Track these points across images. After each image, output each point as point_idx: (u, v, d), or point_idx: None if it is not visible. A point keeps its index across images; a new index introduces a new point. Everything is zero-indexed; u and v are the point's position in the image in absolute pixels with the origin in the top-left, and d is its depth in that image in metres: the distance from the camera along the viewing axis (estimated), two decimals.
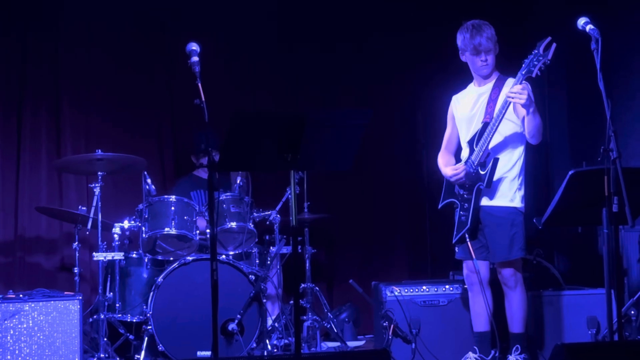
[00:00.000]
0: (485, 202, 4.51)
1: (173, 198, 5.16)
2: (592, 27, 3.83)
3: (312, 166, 4.36)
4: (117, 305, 5.12)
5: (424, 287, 5.10)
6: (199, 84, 3.93)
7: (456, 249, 4.64)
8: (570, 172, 3.99)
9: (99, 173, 5.08)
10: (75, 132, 6.10)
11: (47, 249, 5.96)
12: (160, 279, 4.95)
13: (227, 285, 4.75)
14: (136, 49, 6.25)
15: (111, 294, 5.12)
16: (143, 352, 4.94)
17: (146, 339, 4.96)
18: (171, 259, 5.18)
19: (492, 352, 4.60)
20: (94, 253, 5.05)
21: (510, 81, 4.48)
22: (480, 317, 4.64)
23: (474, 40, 4.48)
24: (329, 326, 5.53)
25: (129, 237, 5.33)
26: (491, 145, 4.46)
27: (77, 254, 5.21)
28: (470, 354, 4.63)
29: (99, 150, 5.05)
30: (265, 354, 5.00)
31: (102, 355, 4.84)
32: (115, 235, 5.15)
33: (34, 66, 6.04)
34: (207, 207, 4.66)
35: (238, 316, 4.93)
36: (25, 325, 4.68)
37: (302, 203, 5.56)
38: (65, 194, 6.02)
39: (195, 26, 6.12)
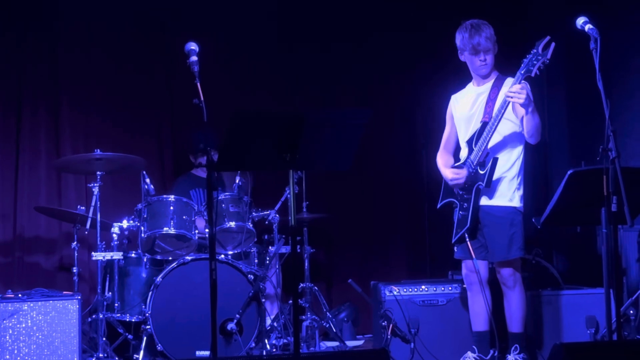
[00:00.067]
0: (484, 201, 4.51)
1: (172, 198, 5.17)
2: (590, 26, 3.83)
3: (311, 166, 4.35)
4: (116, 304, 5.12)
5: (423, 287, 5.10)
6: (198, 84, 3.93)
7: (455, 248, 4.64)
8: (569, 172, 3.99)
9: (98, 173, 5.08)
10: (74, 132, 6.09)
11: (46, 248, 5.96)
12: (159, 278, 4.95)
13: (226, 285, 4.76)
14: (136, 49, 6.25)
15: (110, 293, 5.12)
16: (142, 352, 4.94)
17: (145, 338, 4.96)
18: (170, 258, 5.18)
19: (491, 351, 4.60)
20: (92, 253, 5.05)
21: (509, 81, 4.48)
22: (479, 317, 4.64)
23: (472, 40, 4.49)
24: (327, 326, 5.53)
25: (127, 237, 5.33)
26: (490, 144, 4.46)
27: (76, 254, 5.20)
28: (469, 354, 4.63)
29: (98, 150, 5.05)
30: (264, 353, 5.00)
31: (100, 355, 4.84)
32: (114, 235, 5.14)
33: (33, 66, 6.03)
34: (206, 206, 4.66)
35: (237, 316, 4.93)
36: (24, 325, 4.68)
37: (300, 202, 5.56)
38: (64, 194, 6.02)
39: (195, 26, 6.11)
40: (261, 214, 5.38)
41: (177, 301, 4.93)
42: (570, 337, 4.86)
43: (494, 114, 4.43)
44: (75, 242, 5.23)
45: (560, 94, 6.35)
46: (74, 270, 5.17)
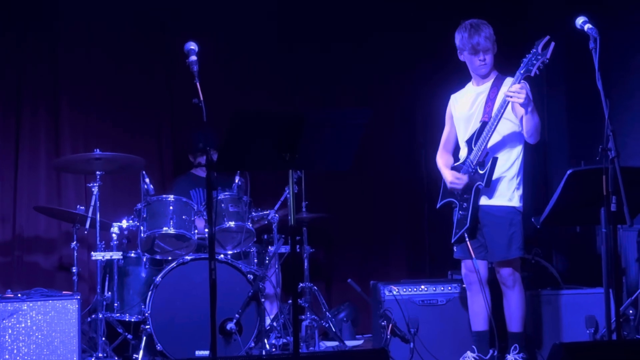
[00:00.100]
0: (483, 201, 4.51)
1: (171, 197, 5.16)
2: (590, 26, 3.83)
3: (311, 166, 4.35)
4: (116, 304, 5.12)
5: (423, 287, 5.10)
6: (198, 83, 3.93)
7: (455, 248, 4.64)
8: (568, 172, 3.99)
9: (98, 172, 5.08)
10: (74, 132, 6.09)
11: (45, 248, 5.96)
12: (158, 278, 4.95)
13: (225, 285, 4.76)
14: (136, 49, 6.25)
15: (109, 293, 5.12)
16: (141, 352, 4.94)
17: (144, 338, 4.96)
18: (169, 258, 5.18)
19: (491, 351, 4.60)
20: (92, 252, 5.05)
21: (508, 80, 4.48)
22: (478, 317, 4.64)
23: (472, 40, 4.49)
24: (327, 325, 5.53)
25: (127, 237, 5.32)
26: (490, 144, 4.46)
27: (75, 254, 5.21)
28: (469, 353, 4.63)
29: (98, 150, 5.05)
30: (264, 353, 5.00)
31: (100, 355, 4.84)
32: (114, 235, 5.14)
33: (33, 66, 6.03)
34: (205, 206, 4.66)
35: (236, 315, 4.93)
36: (23, 325, 4.68)
37: (300, 202, 5.56)
38: (63, 194, 6.02)
39: (195, 26, 6.11)
40: (261, 213, 5.38)
41: (177, 301, 4.93)
42: (569, 337, 4.86)
43: (493, 114, 4.43)
44: (74, 242, 5.23)
45: (559, 93, 6.35)
46: (74, 270, 5.17)
